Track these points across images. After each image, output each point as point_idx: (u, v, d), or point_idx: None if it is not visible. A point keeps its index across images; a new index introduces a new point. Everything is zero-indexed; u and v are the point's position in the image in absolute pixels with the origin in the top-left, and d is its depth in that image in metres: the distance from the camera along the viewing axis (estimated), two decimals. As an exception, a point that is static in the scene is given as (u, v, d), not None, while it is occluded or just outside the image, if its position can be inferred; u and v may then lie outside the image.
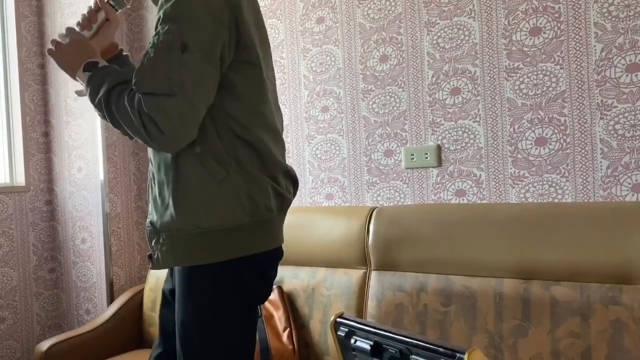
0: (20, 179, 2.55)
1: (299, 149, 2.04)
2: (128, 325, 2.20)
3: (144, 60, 1.03)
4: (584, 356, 1.29)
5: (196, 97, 1.01)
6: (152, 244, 1.11)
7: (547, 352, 1.32)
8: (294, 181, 1.22)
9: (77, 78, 1.14)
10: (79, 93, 1.23)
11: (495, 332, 1.40)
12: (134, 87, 1.03)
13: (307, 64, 2.02)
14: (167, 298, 1.27)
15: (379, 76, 1.84)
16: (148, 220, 1.13)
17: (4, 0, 2.55)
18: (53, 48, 1.17)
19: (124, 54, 1.34)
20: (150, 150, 1.16)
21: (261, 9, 2.11)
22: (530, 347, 1.35)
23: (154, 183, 1.12)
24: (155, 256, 1.11)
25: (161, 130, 1.00)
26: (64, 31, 1.18)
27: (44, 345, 1.97)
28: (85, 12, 1.25)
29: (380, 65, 1.84)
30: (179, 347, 1.11)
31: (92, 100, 1.10)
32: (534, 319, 1.36)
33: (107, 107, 1.06)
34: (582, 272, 1.34)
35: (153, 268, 1.13)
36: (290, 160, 2.06)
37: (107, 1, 1.25)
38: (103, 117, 1.10)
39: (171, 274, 1.27)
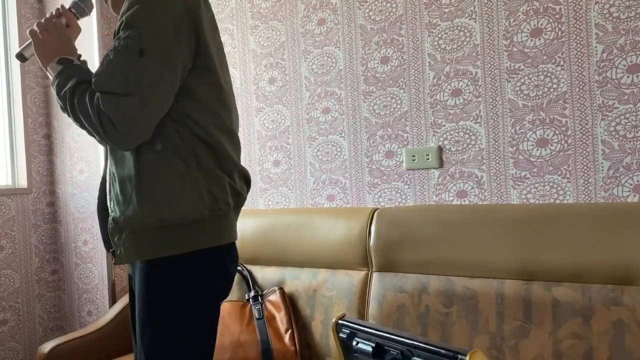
0: (23, 181, 2.56)
1: (300, 151, 2.04)
2: (130, 327, 2.20)
3: (104, 61, 1.08)
4: (585, 357, 1.28)
5: (151, 98, 1.06)
6: (115, 239, 1.14)
7: (549, 353, 1.32)
8: (247, 181, 1.26)
9: (48, 68, 1.18)
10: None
11: (496, 333, 1.40)
12: (93, 86, 1.09)
13: (308, 66, 2.02)
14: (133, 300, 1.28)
15: (380, 77, 1.85)
16: (110, 217, 1.16)
17: (6, 2, 2.55)
18: (37, 30, 1.20)
19: (81, 59, 1.37)
20: (109, 148, 1.20)
21: (262, 10, 2.12)
22: (532, 348, 1.35)
23: (115, 180, 1.15)
24: (119, 252, 1.14)
25: (115, 127, 1.05)
26: (53, 19, 1.22)
27: (46, 347, 1.98)
28: (47, 16, 1.28)
29: (381, 66, 1.84)
30: (139, 341, 1.13)
31: (58, 92, 1.14)
32: (536, 320, 1.36)
33: (71, 102, 1.11)
34: (584, 273, 1.34)
35: (116, 263, 1.16)
36: (292, 162, 2.07)
37: (69, 8, 1.28)
38: (65, 109, 1.15)
39: (131, 277, 1.28)
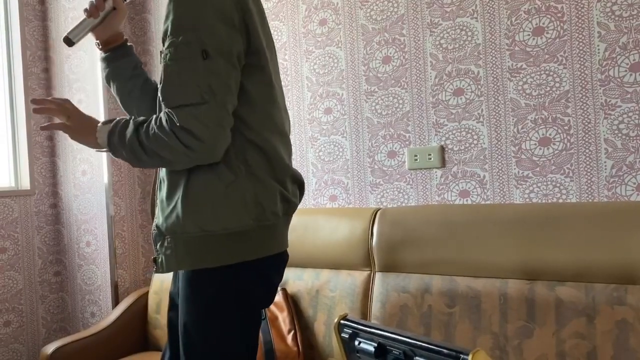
0: (25, 183, 2.56)
1: (303, 151, 2.04)
2: (133, 328, 2.20)
3: (167, 74, 1.02)
4: (589, 357, 1.28)
5: (227, 101, 1.02)
6: (157, 247, 1.11)
7: (553, 353, 1.32)
8: (300, 185, 1.22)
9: (97, 137, 1.11)
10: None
11: (500, 333, 1.39)
12: (163, 103, 1.03)
13: (310, 66, 2.02)
14: (174, 301, 1.27)
15: (381, 77, 1.84)
16: (154, 223, 1.13)
17: (8, 4, 2.56)
18: (67, 123, 1.14)
19: (128, 44, 1.33)
20: None
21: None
22: (536, 348, 1.34)
23: (163, 186, 1.12)
24: (160, 260, 1.11)
25: (200, 139, 0.99)
26: (63, 109, 1.15)
27: (50, 348, 1.98)
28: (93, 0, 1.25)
29: (383, 66, 1.84)
30: (181, 350, 1.12)
31: (122, 147, 1.07)
32: (539, 320, 1.35)
33: (140, 145, 1.05)
34: (587, 273, 1.33)
35: (157, 272, 1.13)
36: (294, 162, 2.06)
37: None
38: (138, 161, 1.08)
39: (175, 276, 1.27)
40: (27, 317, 2.54)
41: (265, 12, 2.11)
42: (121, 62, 1.30)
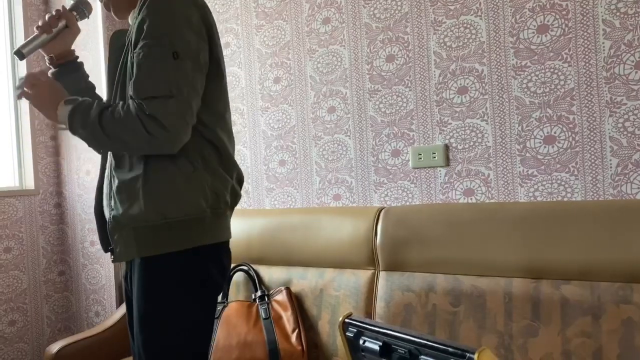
0: (30, 183, 2.57)
1: (306, 150, 2.04)
2: (128, 330, 2.20)
3: (139, 70, 1.09)
4: (595, 356, 1.27)
5: (191, 99, 1.11)
6: (115, 237, 1.17)
7: (558, 352, 1.31)
8: (241, 182, 1.30)
9: (58, 112, 1.16)
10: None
11: (505, 332, 1.39)
12: (133, 94, 1.09)
13: (313, 65, 2.02)
14: (132, 303, 1.28)
15: (385, 76, 1.84)
16: (110, 215, 1.17)
17: (12, 4, 2.57)
18: (28, 91, 1.19)
19: (78, 60, 1.41)
20: (113, 155, 1.20)
21: (267, 10, 2.12)
22: (541, 347, 1.34)
23: (114, 179, 1.17)
24: (118, 249, 1.16)
25: (165, 128, 1.06)
26: (30, 78, 1.19)
27: (54, 347, 1.98)
28: (47, 17, 1.31)
29: (387, 65, 1.83)
30: (138, 339, 1.15)
31: (82, 127, 1.12)
32: (544, 319, 1.35)
33: (102, 127, 1.10)
34: (593, 271, 1.33)
35: (115, 261, 1.19)
36: (297, 162, 2.06)
37: (69, 10, 1.32)
38: (94, 141, 1.14)
39: (126, 278, 1.29)
40: (32, 317, 2.54)
41: (269, 11, 2.12)
42: (71, 76, 1.39)
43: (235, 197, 1.26)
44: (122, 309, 2.22)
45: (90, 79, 1.46)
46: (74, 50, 1.40)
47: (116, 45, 1.24)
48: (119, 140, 1.11)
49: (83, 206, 2.53)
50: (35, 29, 1.31)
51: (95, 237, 2.48)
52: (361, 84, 1.90)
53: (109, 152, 1.22)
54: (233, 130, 1.30)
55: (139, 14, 1.13)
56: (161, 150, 1.12)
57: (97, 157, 2.42)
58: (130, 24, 1.23)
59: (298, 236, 1.82)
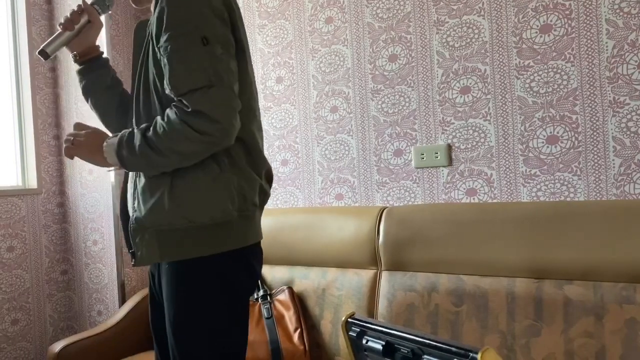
0: (32, 182, 2.57)
1: (308, 150, 2.04)
2: (139, 327, 2.21)
3: (171, 65, 1.03)
4: (598, 356, 1.27)
5: (232, 84, 1.04)
6: (137, 240, 1.11)
7: (561, 352, 1.31)
8: (270, 179, 1.25)
9: (106, 157, 1.10)
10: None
11: (507, 331, 1.39)
12: (172, 93, 1.03)
13: (315, 64, 2.01)
14: (155, 300, 1.27)
15: (388, 76, 1.84)
16: (133, 217, 1.12)
17: (15, 4, 2.57)
18: (71, 145, 1.13)
19: (103, 56, 1.36)
20: None
21: (269, 9, 2.12)
22: (543, 347, 1.33)
23: (139, 179, 1.12)
24: (140, 253, 1.11)
25: (214, 120, 1.00)
26: (71, 128, 1.16)
27: (57, 346, 1.99)
28: (68, 13, 1.27)
29: (390, 64, 1.83)
30: (172, 345, 1.12)
31: (134, 157, 1.06)
32: (547, 319, 1.35)
33: (151, 148, 1.04)
34: (596, 271, 1.33)
35: (136, 265, 1.13)
36: (300, 161, 2.06)
37: (91, 4, 1.28)
38: (151, 166, 1.07)
39: (153, 276, 1.27)
40: (35, 316, 2.55)
41: (272, 10, 2.12)
42: (97, 73, 1.32)
43: (265, 197, 1.20)
44: (125, 308, 2.22)
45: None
46: (98, 46, 1.34)
47: (139, 37, 1.18)
48: (173, 153, 1.04)
49: (86, 205, 2.54)
50: (58, 26, 1.27)
51: (98, 236, 2.48)
52: (364, 83, 1.89)
53: None
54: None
55: (157, 3, 1.07)
56: (219, 146, 1.05)
57: (100, 157, 2.43)
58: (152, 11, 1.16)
59: (300, 236, 1.82)
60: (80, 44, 1.29)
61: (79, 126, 1.16)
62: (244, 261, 1.15)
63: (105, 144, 1.10)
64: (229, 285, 1.12)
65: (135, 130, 1.07)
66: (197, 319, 1.10)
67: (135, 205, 1.12)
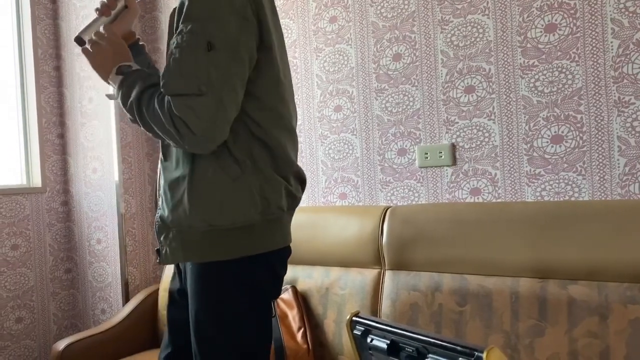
0: (37, 180, 2.58)
1: (312, 149, 2.04)
2: (143, 325, 2.21)
3: (170, 61, 1.02)
4: (602, 356, 1.27)
5: (225, 96, 1.00)
6: (161, 239, 1.12)
7: (565, 352, 1.31)
8: (302, 181, 1.22)
9: (109, 81, 1.13)
10: (110, 97, 1.22)
11: (511, 331, 1.39)
12: (162, 89, 1.03)
13: (320, 64, 2.02)
14: (175, 297, 1.27)
15: (392, 75, 1.84)
16: (158, 215, 1.13)
17: (20, 3, 2.58)
18: (88, 47, 1.15)
19: (140, 43, 1.33)
20: (161, 143, 1.15)
21: (274, 9, 2.12)
22: (547, 347, 1.33)
23: (161, 175, 1.12)
24: (164, 251, 1.11)
25: (193, 131, 0.99)
26: (101, 30, 1.16)
27: (61, 344, 1.99)
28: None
29: (394, 63, 1.83)
30: (195, 345, 1.11)
31: (124, 104, 1.09)
32: (551, 319, 1.34)
33: (139, 110, 1.06)
34: (600, 271, 1.32)
35: (161, 263, 1.13)
36: (304, 160, 2.06)
37: None
38: (134, 120, 1.10)
39: (178, 272, 1.27)
40: (39, 314, 2.55)
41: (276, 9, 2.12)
42: (135, 60, 1.29)
43: (293, 200, 1.16)
44: (129, 306, 2.23)
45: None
46: (134, 32, 1.31)
47: (172, 24, 1.15)
48: (153, 132, 1.06)
49: (89, 204, 2.54)
50: (95, 11, 1.24)
51: (102, 235, 2.49)
52: (368, 82, 1.89)
53: (160, 144, 1.16)
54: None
55: None
56: (193, 150, 1.05)
57: (104, 155, 2.44)
58: None
59: (304, 235, 1.82)
60: (117, 29, 1.24)
61: (106, 31, 1.15)
62: (268, 266, 1.12)
63: (116, 68, 1.11)
64: (251, 289, 1.10)
65: (139, 85, 1.07)
66: (218, 320, 1.09)
67: (160, 203, 1.13)
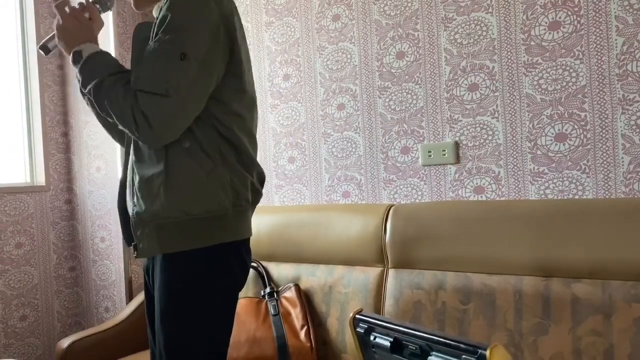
0: (41, 179, 2.59)
1: (315, 147, 2.04)
2: (146, 323, 2.22)
3: (145, 60, 1.11)
4: (606, 355, 1.27)
5: (189, 102, 1.10)
6: (138, 233, 1.17)
7: (568, 350, 1.31)
8: (262, 181, 1.30)
9: (74, 50, 1.19)
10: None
11: (515, 330, 1.38)
12: (132, 84, 1.10)
13: (323, 62, 2.01)
14: (152, 295, 1.29)
15: (395, 73, 1.84)
16: (133, 212, 1.18)
17: (23, 1, 2.58)
18: (67, 10, 1.21)
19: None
20: (133, 144, 1.21)
21: (277, 7, 2.12)
22: (551, 346, 1.33)
23: (137, 176, 1.17)
24: (141, 245, 1.17)
25: (151, 126, 1.08)
26: (77, 6, 1.23)
27: (65, 342, 2.00)
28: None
29: (397, 62, 1.83)
30: (160, 332, 1.15)
31: (84, 84, 1.16)
32: (555, 317, 1.34)
33: (98, 94, 1.13)
34: (604, 269, 1.32)
35: (138, 256, 1.19)
36: (307, 159, 2.06)
37: (92, 2, 1.30)
38: (89, 101, 1.18)
39: (148, 270, 1.30)
40: (43, 312, 2.56)
41: (279, 8, 2.12)
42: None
43: (257, 195, 1.26)
44: (132, 304, 2.23)
45: None
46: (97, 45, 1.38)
47: (139, 38, 1.23)
48: (106, 111, 1.13)
49: (93, 202, 2.55)
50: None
51: (105, 233, 2.50)
52: (371, 81, 1.89)
53: (131, 148, 1.22)
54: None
55: (160, 10, 1.14)
56: (142, 142, 1.14)
57: (108, 154, 2.45)
58: (155, 16, 1.24)
59: (307, 233, 1.83)
60: None
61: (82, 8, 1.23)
62: (238, 255, 1.21)
63: (77, 48, 1.18)
64: (222, 276, 1.18)
65: (105, 68, 1.14)
66: (187, 310, 1.14)
67: (135, 200, 1.18)
